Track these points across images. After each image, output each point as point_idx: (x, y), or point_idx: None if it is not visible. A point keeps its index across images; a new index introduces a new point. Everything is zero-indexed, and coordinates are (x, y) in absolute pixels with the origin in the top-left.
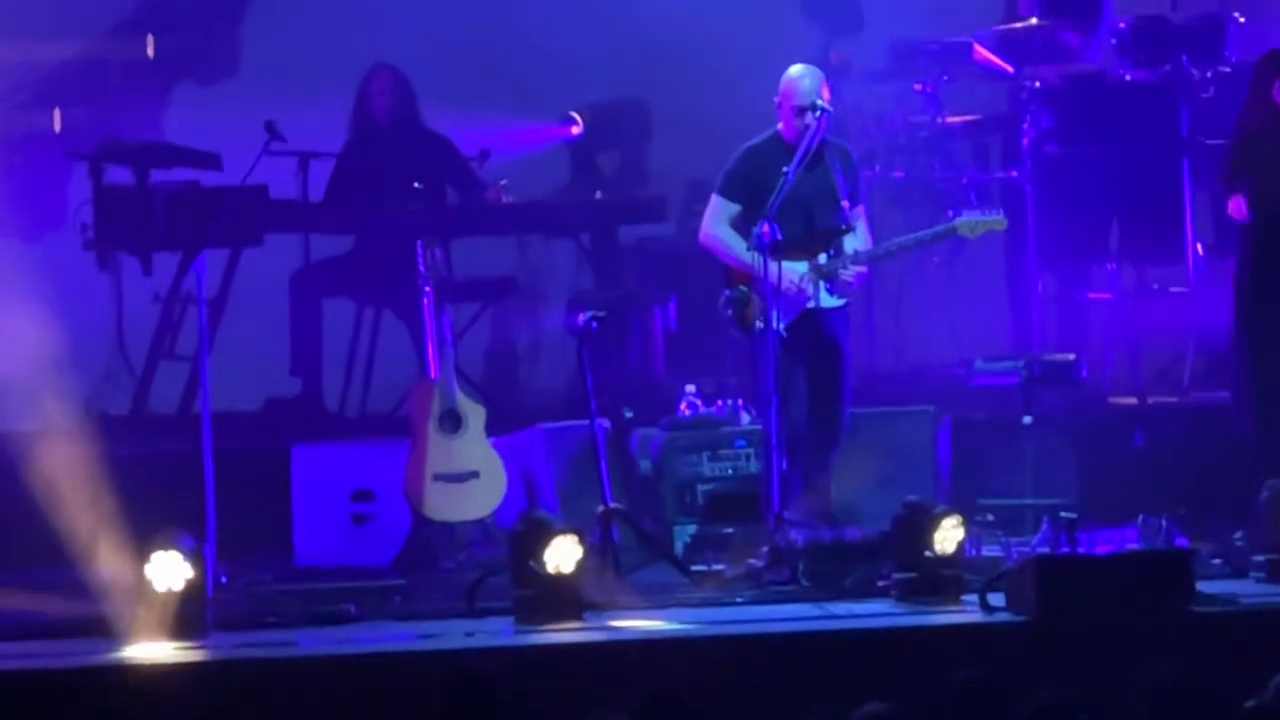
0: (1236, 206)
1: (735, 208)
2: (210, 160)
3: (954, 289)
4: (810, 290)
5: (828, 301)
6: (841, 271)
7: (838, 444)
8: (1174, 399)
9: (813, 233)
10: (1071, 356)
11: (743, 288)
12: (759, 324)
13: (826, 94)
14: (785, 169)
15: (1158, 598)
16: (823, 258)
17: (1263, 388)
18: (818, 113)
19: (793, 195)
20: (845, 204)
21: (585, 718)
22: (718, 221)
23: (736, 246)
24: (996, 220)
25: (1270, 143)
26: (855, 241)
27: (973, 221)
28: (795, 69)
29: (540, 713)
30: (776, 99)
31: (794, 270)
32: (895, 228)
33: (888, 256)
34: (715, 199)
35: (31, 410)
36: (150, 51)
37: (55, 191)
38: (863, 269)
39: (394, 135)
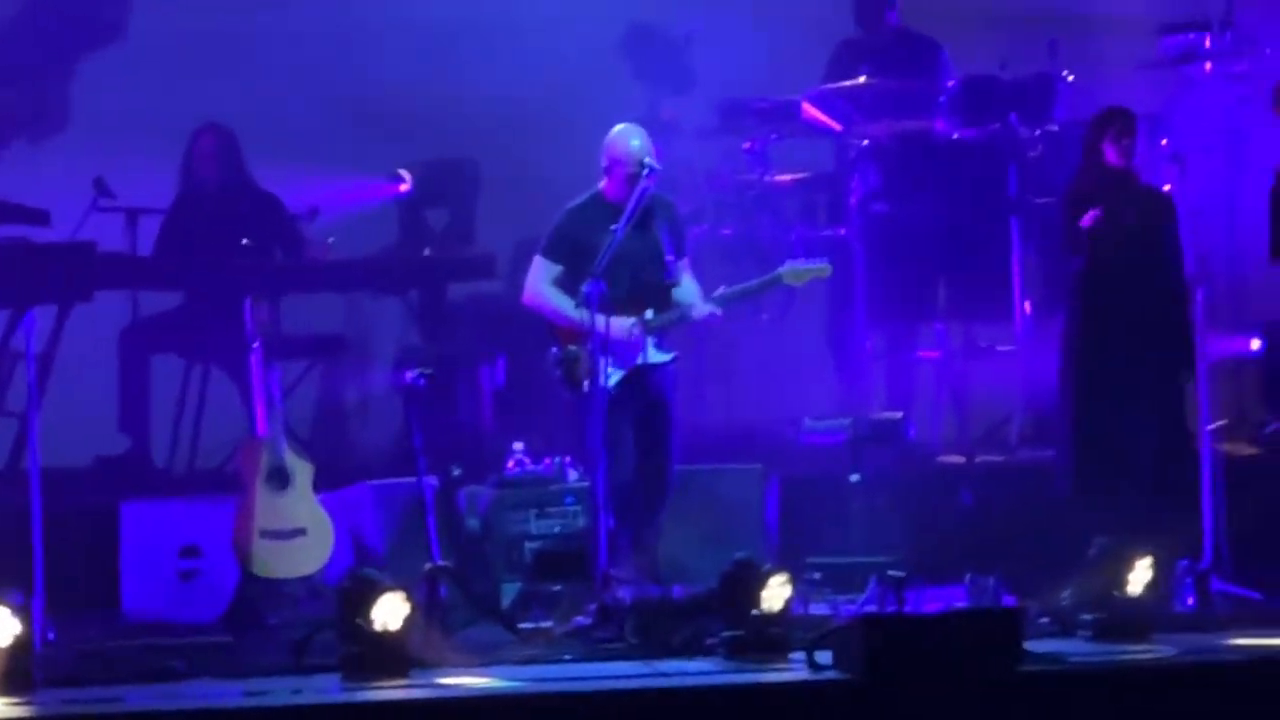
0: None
1: (558, 268)
2: (38, 216)
3: (783, 347)
4: (638, 346)
5: (655, 357)
6: (695, 312)
7: (665, 501)
8: (1001, 458)
9: (639, 289)
10: (899, 415)
11: (571, 347)
12: (587, 382)
13: (653, 152)
14: (613, 227)
15: (985, 657)
16: (649, 313)
17: (1084, 446)
18: (646, 170)
19: (619, 252)
20: (670, 259)
21: None
22: (541, 281)
23: (563, 305)
24: (820, 268)
25: (1099, 200)
26: (683, 294)
27: (797, 269)
28: (621, 129)
29: None
30: (602, 157)
31: (623, 326)
32: (724, 284)
33: (715, 309)
34: (538, 260)
35: None
36: None
37: None
38: (717, 309)
39: (221, 193)
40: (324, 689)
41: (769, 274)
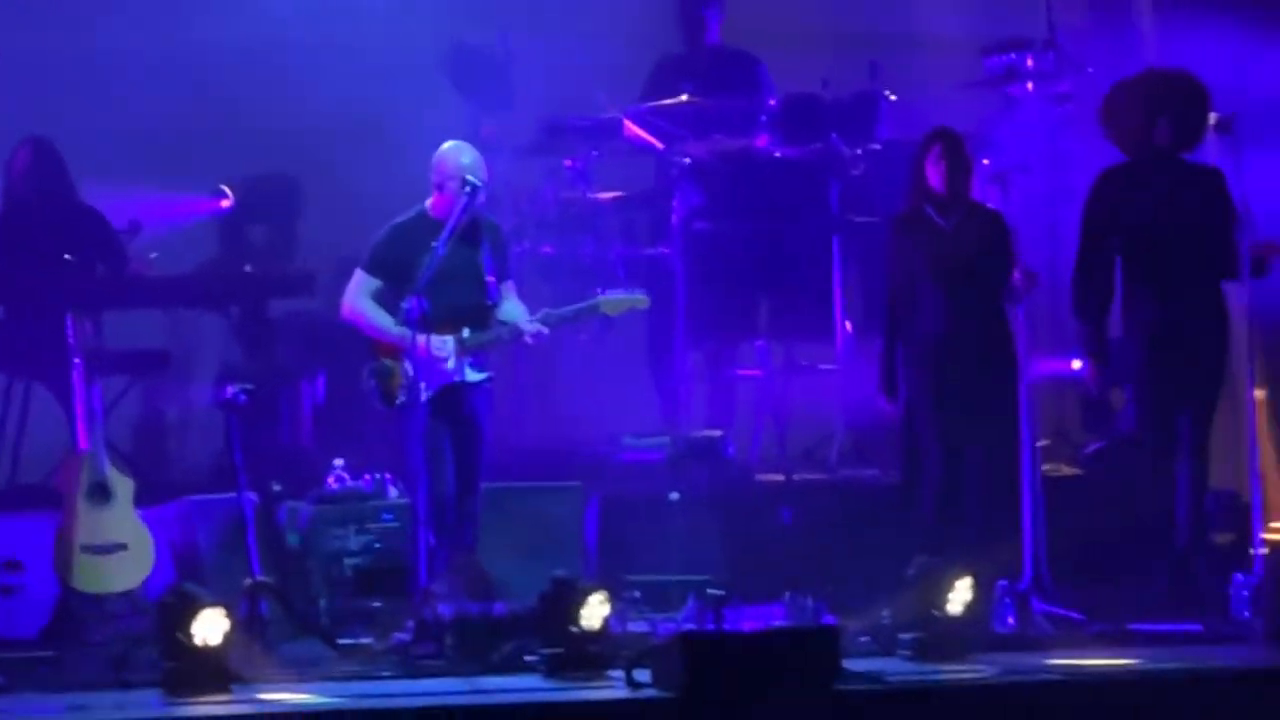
0: None
1: (376, 283)
2: None
3: (603, 365)
4: (453, 364)
5: (471, 376)
6: (523, 330)
7: (476, 518)
8: (821, 476)
9: (458, 307)
10: (718, 433)
11: (386, 361)
12: (402, 397)
13: (481, 169)
14: (435, 244)
15: (804, 675)
16: (466, 332)
17: (909, 466)
18: (468, 188)
19: (440, 270)
20: (490, 280)
21: None
22: (360, 295)
23: (380, 319)
24: (638, 299)
25: (920, 223)
26: (508, 315)
27: (615, 300)
28: (450, 146)
29: None
30: (432, 174)
31: (440, 344)
32: (545, 303)
33: (513, 338)
34: (358, 273)
35: None
36: None
37: None
38: (544, 329)
39: (42, 208)
40: (145, 704)
41: (586, 302)
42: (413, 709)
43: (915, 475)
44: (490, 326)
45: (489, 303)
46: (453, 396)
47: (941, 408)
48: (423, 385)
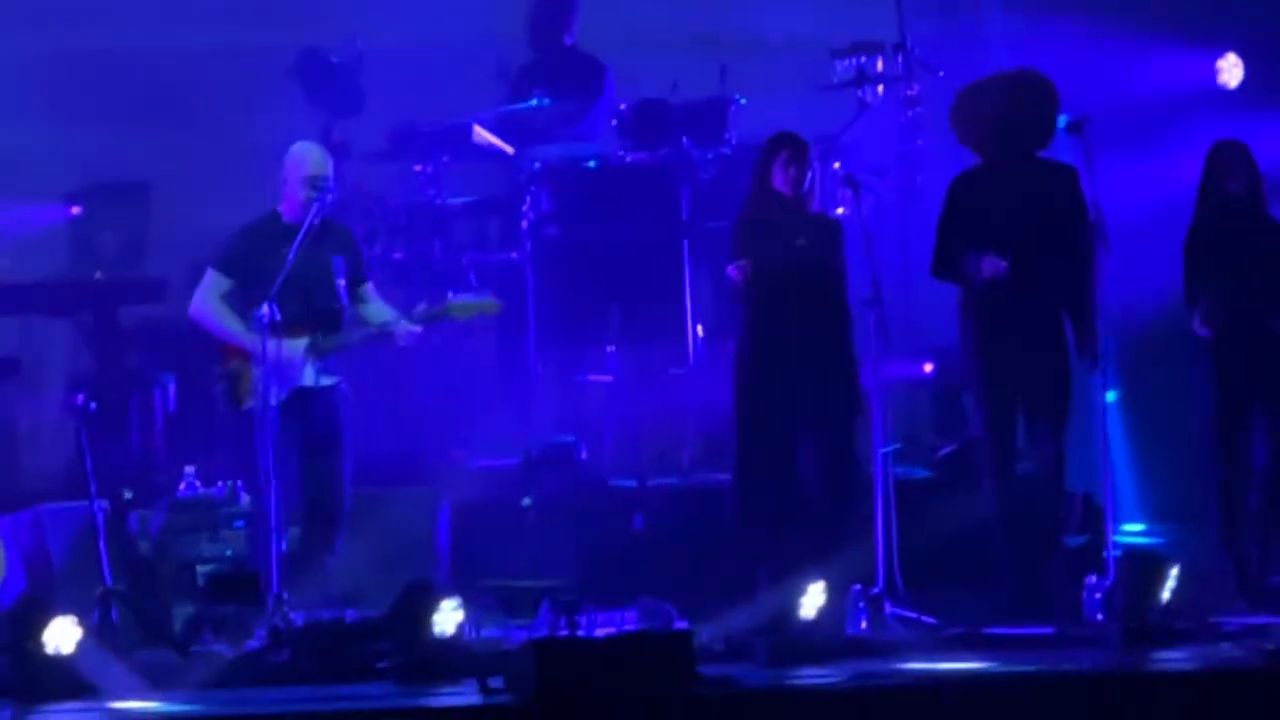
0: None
1: (228, 282)
2: None
3: (455, 372)
4: (301, 368)
5: (320, 380)
6: (397, 329)
7: (337, 525)
8: (674, 480)
9: (310, 312)
10: (570, 439)
11: (234, 363)
12: (250, 401)
13: (330, 171)
14: (285, 249)
15: (657, 680)
16: (319, 337)
17: (751, 473)
18: (316, 191)
19: (292, 274)
20: (341, 283)
21: None
22: (209, 295)
23: (230, 323)
24: (488, 303)
25: (768, 226)
26: (374, 315)
27: (464, 303)
28: (299, 147)
29: None
30: (281, 175)
31: (291, 348)
32: (398, 307)
33: (382, 337)
34: (210, 273)
35: None
36: None
37: None
38: (415, 328)
39: None
40: None
41: (437, 306)
42: (264, 716)
43: (760, 483)
44: (342, 329)
45: (339, 306)
46: (303, 402)
47: (776, 412)
48: (276, 391)
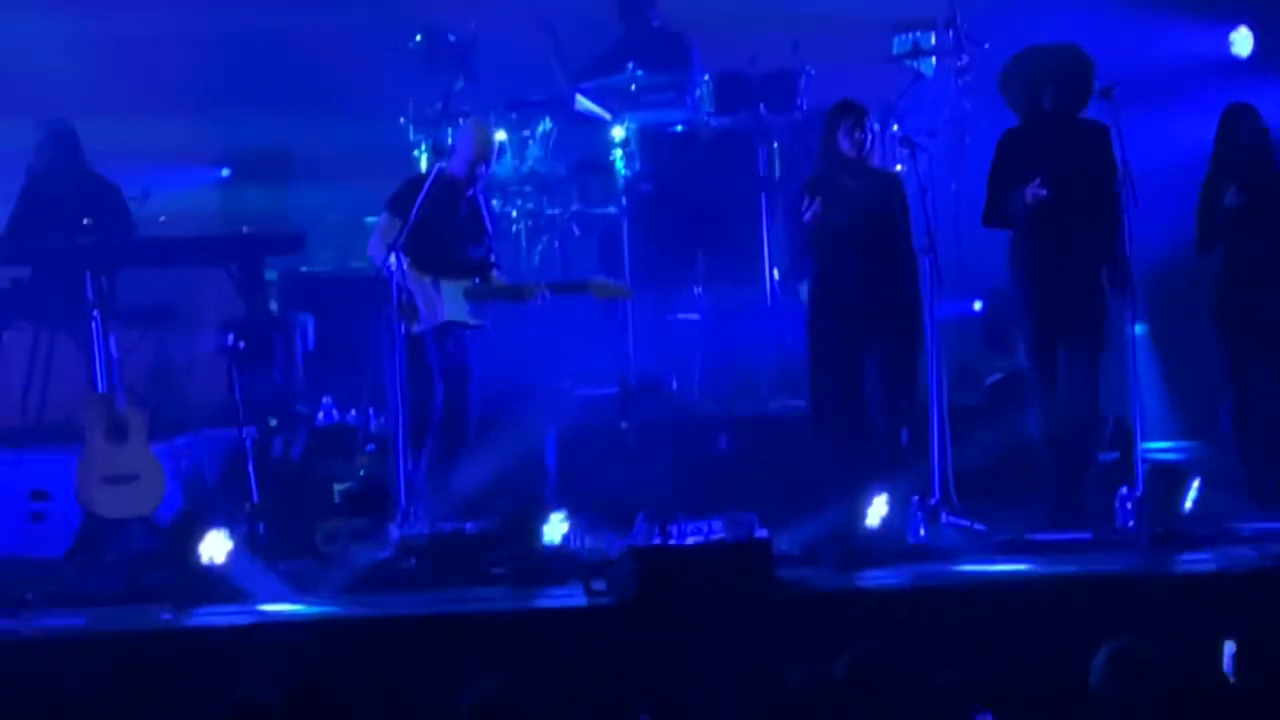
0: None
1: (399, 222)
2: None
3: (563, 314)
4: (455, 306)
5: (470, 320)
6: (527, 296)
7: (462, 444)
8: (754, 407)
9: (469, 261)
10: (663, 371)
11: (404, 295)
12: (415, 325)
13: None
14: (447, 203)
15: (740, 582)
16: (474, 283)
17: (826, 399)
18: (485, 162)
19: (456, 227)
20: (490, 239)
21: (238, 691)
22: (384, 237)
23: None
24: (623, 289)
25: (832, 184)
26: (502, 276)
27: (603, 284)
28: (478, 121)
29: (200, 690)
30: (453, 142)
31: (450, 290)
32: (509, 257)
33: (515, 294)
34: (383, 215)
35: None
36: None
37: None
38: (546, 294)
39: (64, 180)
40: (157, 616)
41: (578, 279)
42: (394, 617)
43: (822, 407)
44: (492, 280)
45: (491, 260)
46: (446, 335)
47: (843, 346)
48: (424, 319)
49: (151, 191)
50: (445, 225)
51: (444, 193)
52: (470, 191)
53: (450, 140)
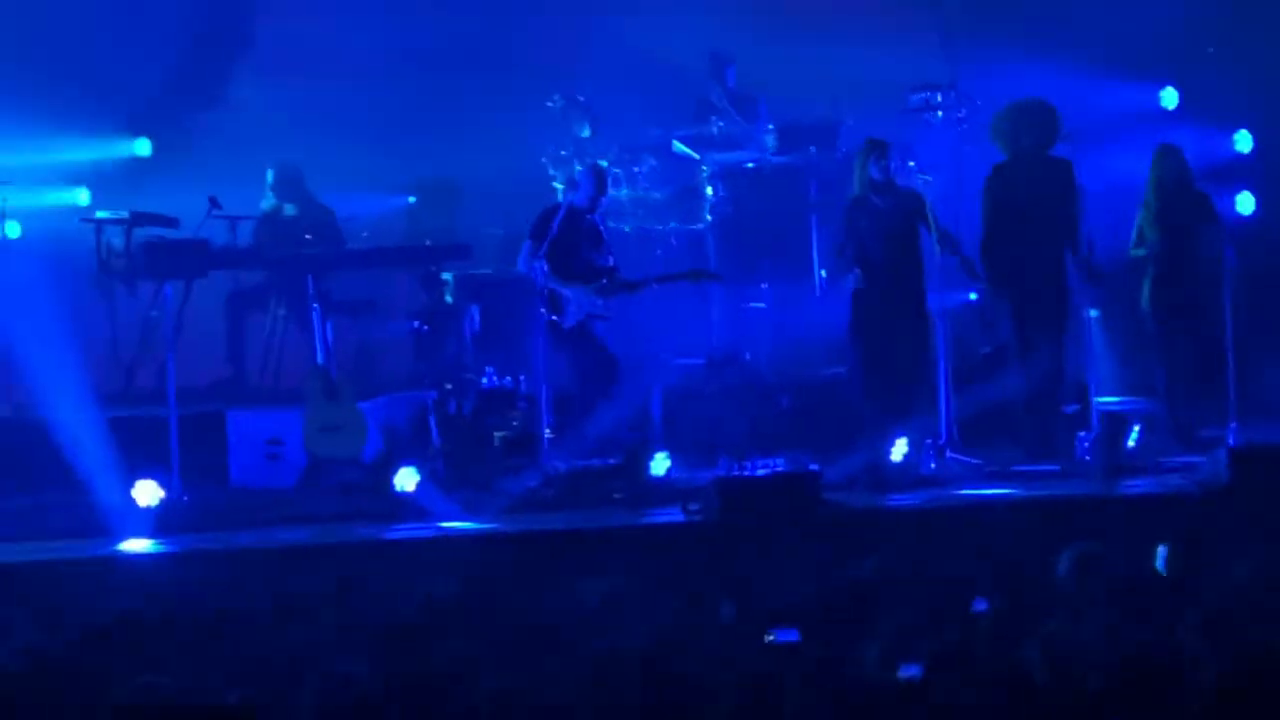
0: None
1: (537, 246)
2: (170, 221)
3: (663, 301)
4: (593, 301)
5: (602, 311)
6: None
7: (595, 400)
8: (807, 375)
9: (601, 267)
10: (739, 347)
11: (551, 297)
12: (557, 319)
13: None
14: (582, 226)
15: (797, 503)
16: (603, 283)
17: (856, 365)
18: (604, 193)
19: (589, 243)
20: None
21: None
22: (527, 257)
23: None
24: (717, 276)
25: (866, 203)
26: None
27: (701, 273)
28: (595, 162)
29: (397, 587)
30: (577, 177)
31: (585, 290)
32: (626, 262)
33: (644, 287)
34: (526, 242)
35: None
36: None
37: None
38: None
39: (293, 206)
40: (352, 530)
41: (685, 271)
42: (538, 531)
43: (866, 374)
44: (617, 280)
45: (612, 265)
46: (589, 322)
47: (876, 326)
48: (565, 317)
49: (357, 215)
50: (577, 243)
51: (573, 219)
52: (592, 217)
53: (577, 177)
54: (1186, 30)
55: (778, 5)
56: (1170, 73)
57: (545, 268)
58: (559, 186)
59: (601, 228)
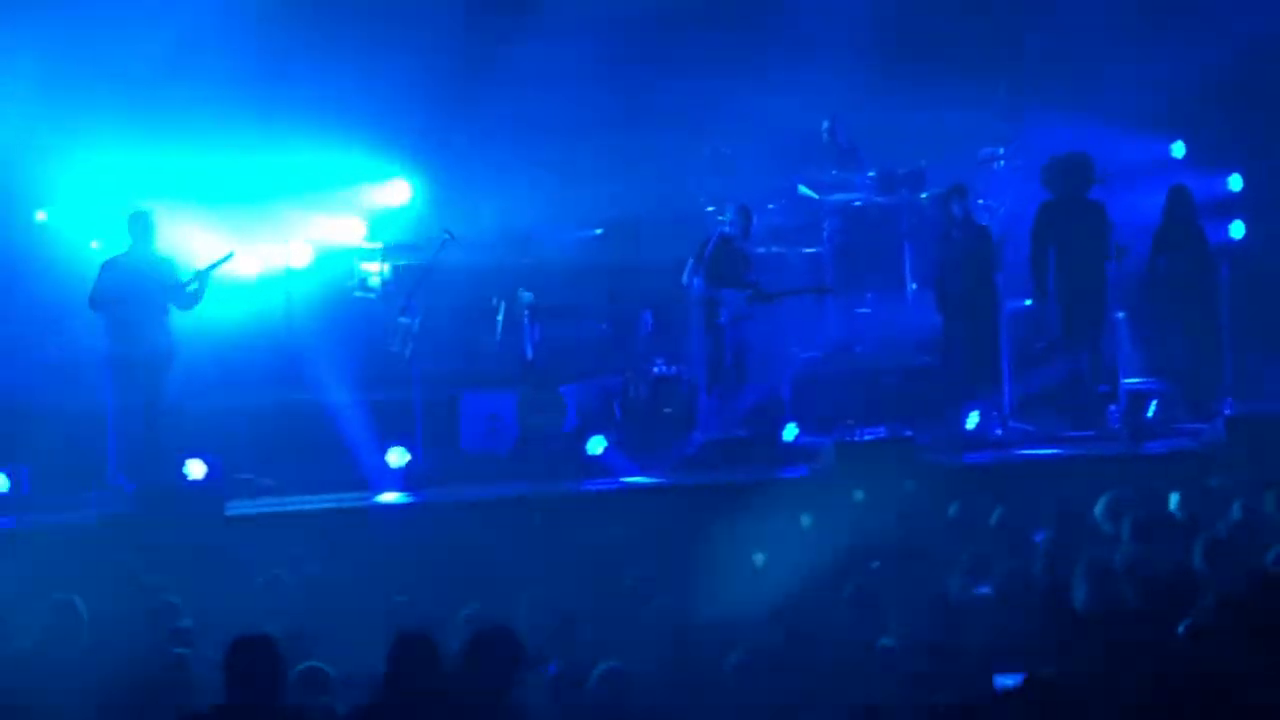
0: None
1: (699, 264)
2: (417, 250)
3: (794, 308)
4: (744, 305)
5: (749, 314)
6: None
7: (742, 383)
8: (903, 361)
9: (741, 282)
10: (851, 342)
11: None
12: (711, 320)
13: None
14: (740, 251)
15: (897, 460)
16: (752, 293)
17: (944, 356)
18: (750, 225)
19: (734, 262)
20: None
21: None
22: (690, 273)
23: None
24: (831, 289)
25: (948, 236)
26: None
27: (821, 287)
28: (741, 206)
29: (589, 529)
30: (730, 215)
31: (739, 296)
32: (766, 277)
33: (778, 298)
34: (690, 260)
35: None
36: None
37: None
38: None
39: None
40: (563, 484)
41: (810, 285)
42: (698, 484)
43: (947, 362)
44: (758, 292)
45: (755, 280)
46: (736, 322)
47: (957, 326)
48: (724, 312)
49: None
50: (728, 262)
51: (725, 244)
52: (739, 243)
53: (728, 212)
54: (1190, 96)
55: (878, 77)
56: (1179, 129)
57: (702, 281)
58: (723, 219)
59: (747, 251)
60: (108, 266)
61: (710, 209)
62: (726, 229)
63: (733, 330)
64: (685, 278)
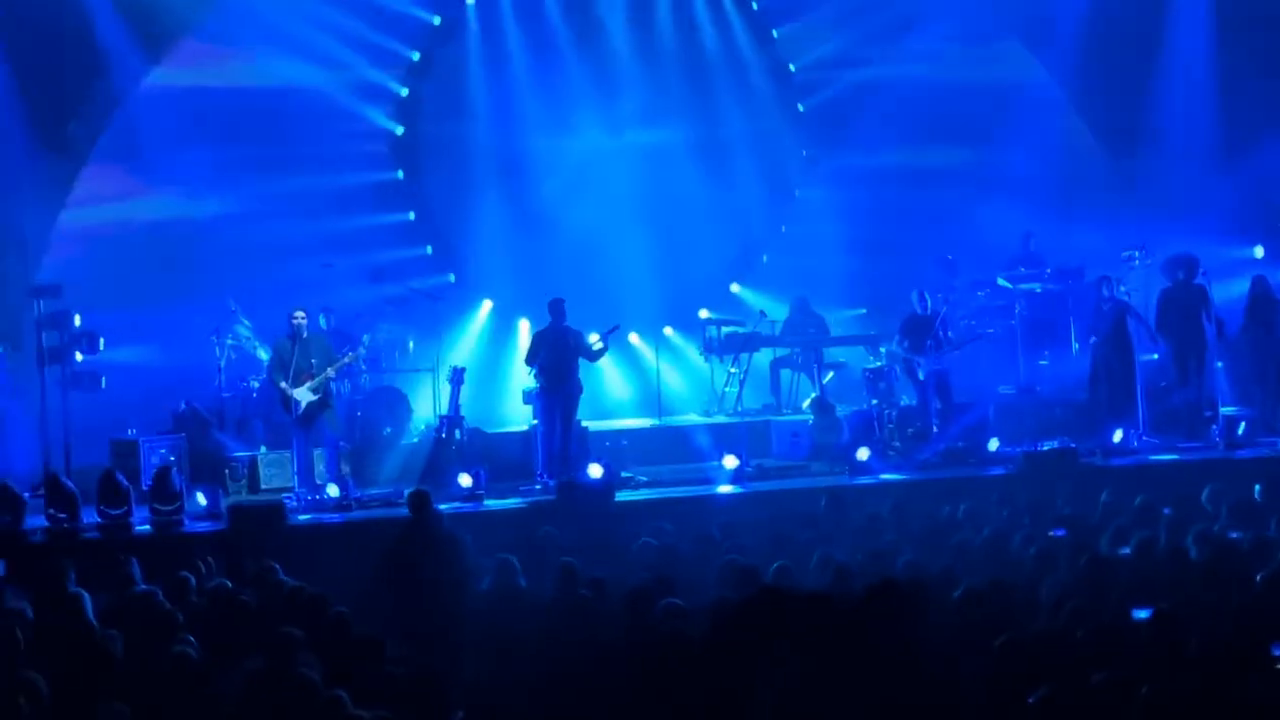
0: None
1: (902, 338)
2: (741, 323)
3: (995, 358)
4: (932, 363)
5: (942, 368)
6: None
7: (958, 411)
8: (1067, 397)
9: (936, 346)
10: (1033, 383)
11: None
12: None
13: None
14: (925, 320)
15: (1063, 464)
16: (939, 353)
17: (1093, 392)
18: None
19: (924, 331)
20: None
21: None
22: (898, 341)
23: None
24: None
25: (1100, 314)
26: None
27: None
28: (918, 291)
29: (855, 507)
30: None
31: (929, 358)
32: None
33: (961, 345)
34: (897, 334)
35: None
36: None
37: None
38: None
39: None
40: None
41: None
42: (934, 478)
43: (1099, 396)
44: (943, 345)
45: (943, 341)
46: (940, 376)
47: (1106, 372)
48: (922, 370)
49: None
50: (921, 333)
51: (918, 319)
52: (931, 319)
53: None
54: (1269, 206)
55: (1054, 205)
56: (1258, 236)
57: (905, 348)
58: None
59: (936, 324)
60: (538, 336)
61: (913, 298)
62: (920, 309)
63: (937, 380)
64: (895, 345)
